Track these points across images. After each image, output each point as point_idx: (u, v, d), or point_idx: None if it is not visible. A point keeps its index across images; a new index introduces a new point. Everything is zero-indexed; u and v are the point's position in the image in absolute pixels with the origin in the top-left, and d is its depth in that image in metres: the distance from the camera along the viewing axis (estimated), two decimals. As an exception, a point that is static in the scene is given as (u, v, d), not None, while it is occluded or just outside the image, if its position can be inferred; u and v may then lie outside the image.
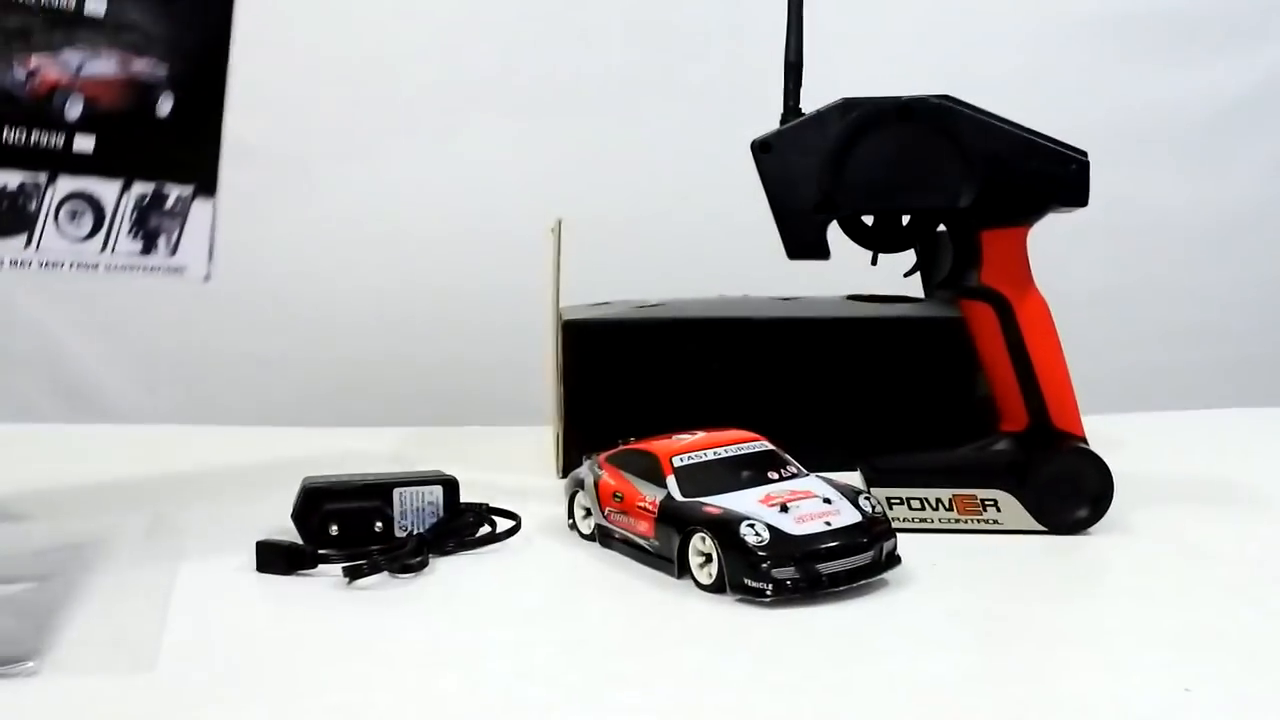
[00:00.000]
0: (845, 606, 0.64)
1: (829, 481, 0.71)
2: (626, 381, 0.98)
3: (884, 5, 1.51)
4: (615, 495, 0.74)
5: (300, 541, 0.73)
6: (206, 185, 0.79)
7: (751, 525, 0.65)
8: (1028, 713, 0.51)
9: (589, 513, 0.77)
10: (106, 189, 0.74)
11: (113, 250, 0.75)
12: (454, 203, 1.47)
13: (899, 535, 0.69)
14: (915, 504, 0.79)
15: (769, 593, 0.63)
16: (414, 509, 0.77)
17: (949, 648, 0.59)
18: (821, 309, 1.02)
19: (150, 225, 0.77)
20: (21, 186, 0.70)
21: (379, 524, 0.76)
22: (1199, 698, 0.52)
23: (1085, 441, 0.80)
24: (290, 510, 0.76)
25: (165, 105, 0.76)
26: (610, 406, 0.97)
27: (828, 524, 0.66)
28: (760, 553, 0.63)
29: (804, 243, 0.81)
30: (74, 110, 0.71)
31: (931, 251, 0.84)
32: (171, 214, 0.77)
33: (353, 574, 0.68)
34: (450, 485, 0.79)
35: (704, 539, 0.66)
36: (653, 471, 0.72)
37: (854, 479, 0.77)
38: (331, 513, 0.75)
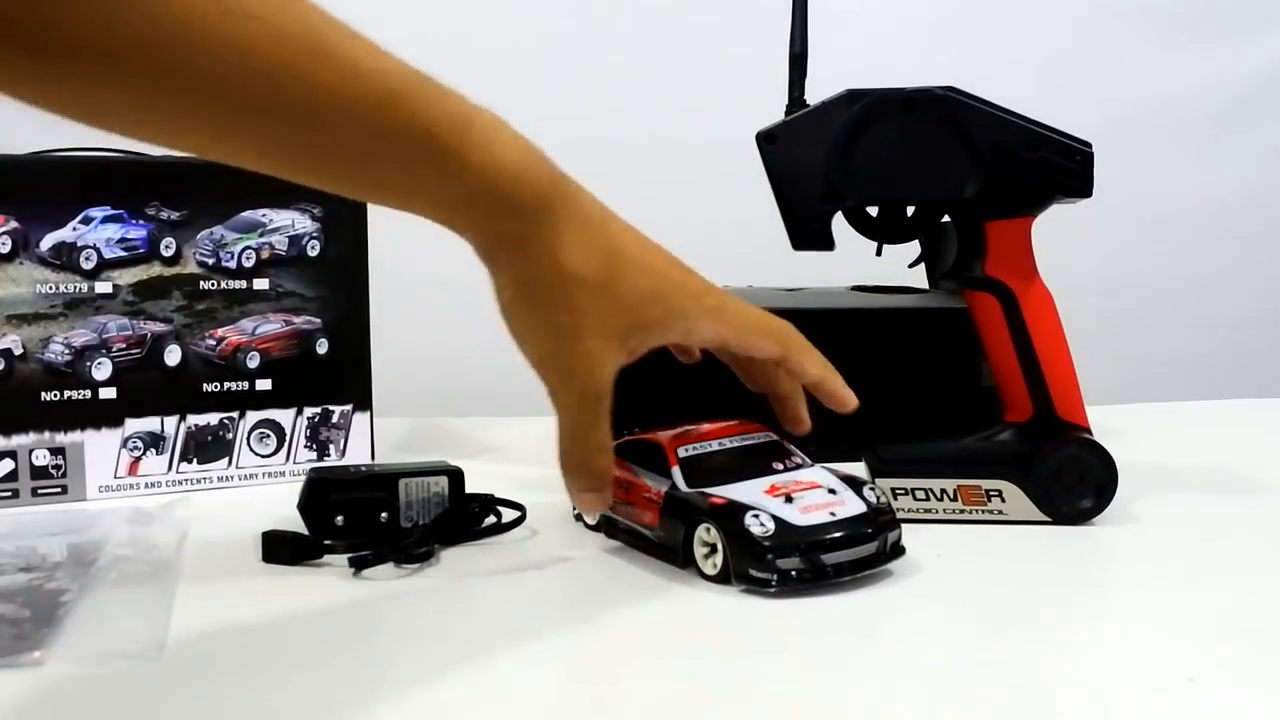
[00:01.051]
0: (850, 597, 0.64)
1: (833, 472, 0.72)
2: (631, 372, 0.98)
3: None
4: (620, 486, 0.74)
5: (306, 532, 0.73)
6: (363, 402, 0.96)
7: (756, 516, 0.64)
8: (1031, 703, 0.51)
9: (594, 503, 0.77)
10: (284, 415, 0.93)
11: (294, 460, 0.94)
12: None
13: (904, 525, 0.69)
14: (920, 494, 0.79)
15: (774, 583, 0.63)
16: (419, 500, 0.77)
17: (953, 638, 0.59)
18: (826, 300, 1.02)
19: (322, 437, 0.95)
20: (221, 422, 0.91)
21: (385, 514, 0.76)
22: (1203, 687, 0.52)
23: (1089, 432, 0.80)
24: (296, 500, 0.76)
25: (323, 347, 0.94)
26: (615, 397, 0.97)
27: (832, 514, 0.66)
28: (765, 543, 0.63)
29: (809, 234, 0.81)
30: (253, 362, 0.91)
31: (936, 242, 0.84)
32: (338, 427, 0.95)
33: (358, 564, 0.68)
34: (456, 476, 0.79)
35: (709, 529, 0.66)
36: (658, 462, 0.72)
37: (859, 469, 0.77)
38: (337, 503, 0.75)
